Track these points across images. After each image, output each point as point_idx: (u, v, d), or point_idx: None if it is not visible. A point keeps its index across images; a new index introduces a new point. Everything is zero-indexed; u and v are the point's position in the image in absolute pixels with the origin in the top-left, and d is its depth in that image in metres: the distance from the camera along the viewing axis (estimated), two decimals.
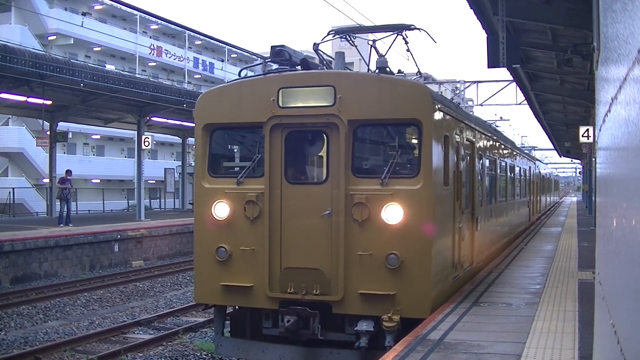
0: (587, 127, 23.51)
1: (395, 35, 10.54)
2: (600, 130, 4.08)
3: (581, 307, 9.29)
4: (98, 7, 56.34)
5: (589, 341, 6.66)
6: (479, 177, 12.78)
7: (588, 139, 23.20)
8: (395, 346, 7.24)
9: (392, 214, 8.67)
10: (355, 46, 11.14)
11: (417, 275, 8.60)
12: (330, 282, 8.90)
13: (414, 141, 9.18)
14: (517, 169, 20.79)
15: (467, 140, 11.40)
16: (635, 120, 2.03)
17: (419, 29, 10.49)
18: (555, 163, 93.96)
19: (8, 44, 23.19)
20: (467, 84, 41.05)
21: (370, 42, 10.64)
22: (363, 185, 8.89)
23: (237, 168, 10.02)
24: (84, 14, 52.29)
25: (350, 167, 8.98)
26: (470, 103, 54.78)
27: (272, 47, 9.85)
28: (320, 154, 9.64)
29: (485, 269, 13.50)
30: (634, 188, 2.10)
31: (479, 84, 38.45)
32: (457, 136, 10.47)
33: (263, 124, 9.26)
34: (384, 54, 10.17)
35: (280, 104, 9.20)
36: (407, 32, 10.55)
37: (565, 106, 28.59)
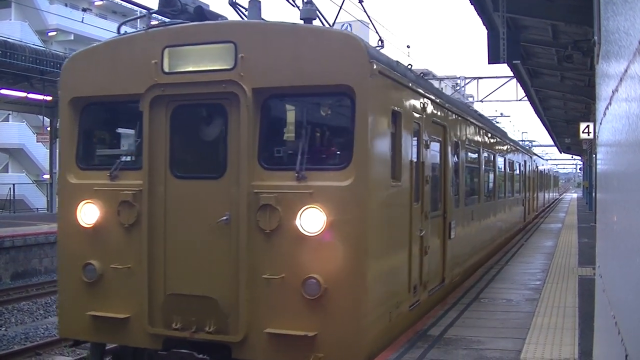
0: (588, 124, 23.52)
1: None
2: (600, 124, 4.08)
3: (581, 303, 9.30)
4: (98, 3, 56.35)
5: (589, 337, 6.66)
6: (454, 172, 10.54)
7: (588, 135, 23.21)
8: (395, 342, 7.17)
9: (311, 220, 6.36)
10: (298, 7, 8.23)
11: (346, 308, 6.30)
12: (229, 317, 6.65)
13: (346, 118, 6.72)
14: (508, 162, 19.15)
15: (435, 122, 9.04)
16: (636, 112, 2.03)
17: None
18: (555, 159, 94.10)
19: (8, 40, 23.22)
20: (467, 80, 41.08)
21: None
22: (273, 181, 6.58)
23: (121, 159, 7.62)
24: (84, 10, 52.35)
25: (255, 155, 6.68)
26: (470, 99, 54.75)
27: None
28: (219, 136, 7.23)
29: (479, 270, 13.47)
30: (634, 180, 2.10)
31: (480, 80, 38.54)
32: (416, 114, 8.05)
33: (141, 96, 7.01)
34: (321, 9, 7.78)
35: (166, 69, 6.92)
36: None
37: (566, 102, 28.57)
